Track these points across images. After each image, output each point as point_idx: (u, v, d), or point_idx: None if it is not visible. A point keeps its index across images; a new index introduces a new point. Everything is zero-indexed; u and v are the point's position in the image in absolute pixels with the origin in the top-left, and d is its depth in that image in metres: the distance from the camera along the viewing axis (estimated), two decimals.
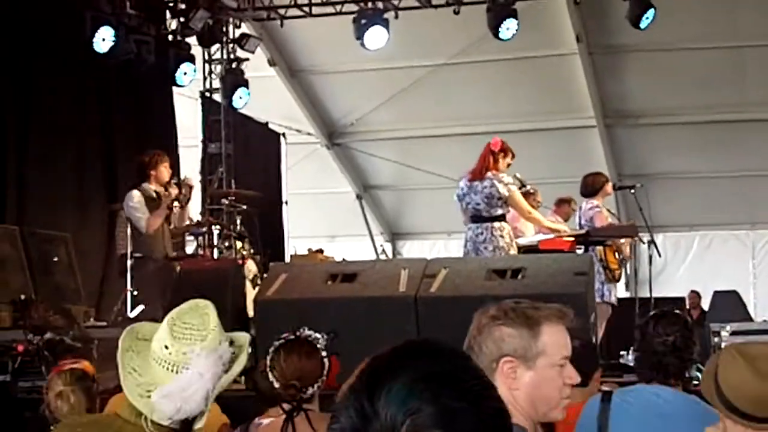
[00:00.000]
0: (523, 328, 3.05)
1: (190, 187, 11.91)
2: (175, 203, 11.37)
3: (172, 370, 3.10)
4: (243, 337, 3.37)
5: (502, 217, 10.37)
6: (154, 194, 11.32)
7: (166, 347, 3.12)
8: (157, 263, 11.33)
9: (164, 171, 11.47)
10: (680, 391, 4.64)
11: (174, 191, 11.42)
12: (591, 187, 11.87)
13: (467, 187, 10.42)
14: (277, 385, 4.80)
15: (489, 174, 10.34)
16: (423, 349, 1.72)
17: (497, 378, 2.98)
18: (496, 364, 3.01)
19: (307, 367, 4.82)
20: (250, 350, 3.40)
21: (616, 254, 11.36)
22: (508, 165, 10.60)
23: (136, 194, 11.28)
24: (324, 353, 4.87)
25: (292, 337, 4.93)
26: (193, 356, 3.09)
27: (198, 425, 3.14)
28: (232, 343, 3.26)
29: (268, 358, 4.89)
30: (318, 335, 4.93)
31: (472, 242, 10.38)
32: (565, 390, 3.12)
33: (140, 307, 11.22)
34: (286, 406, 4.74)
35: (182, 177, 12.22)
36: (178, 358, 3.10)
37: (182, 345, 3.11)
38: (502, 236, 10.23)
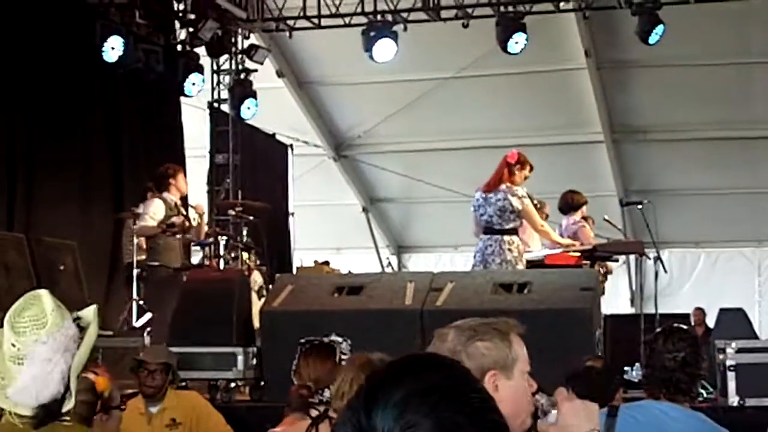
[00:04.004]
0: (497, 340, 3.06)
1: (200, 215, 12.14)
2: (177, 228, 11.58)
3: (23, 364, 3.20)
4: (88, 312, 3.45)
5: (513, 231, 10.35)
6: (174, 205, 11.54)
7: (13, 345, 3.21)
8: (168, 272, 11.40)
9: (182, 181, 11.81)
10: (688, 408, 4.62)
11: (178, 220, 11.59)
12: (570, 204, 12.07)
13: (483, 199, 10.41)
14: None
15: (503, 186, 10.34)
16: (421, 362, 1.70)
17: None
18: (480, 380, 3.00)
19: (321, 370, 4.86)
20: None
21: (601, 269, 11.36)
22: (526, 177, 10.57)
23: (157, 202, 11.53)
24: (344, 358, 4.90)
25: (316, 341, 4.97)
26: (38, 344, 3.18)
27: (67, 406, 3.22)
28: (78, 318, 3.37)
29: (294, 363, 4.94)
30: (340, 340, 4.97)
31: (481, 253, 10.38)
32: (532, 398, 3.15)
33: (146, 316, 11.25)
34: (313, 412, 4.78)
35: (195, 205, 12.38)
36: (26, 350, 3.20)
37: (26, 337, 3.20)
38: (510, 249, 10.22)
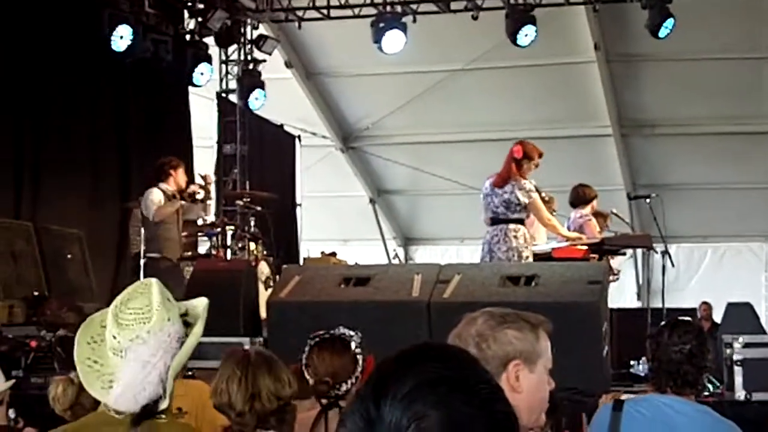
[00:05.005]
0: (527, 330, 3.05)
1: (208, 184, 12.07)
2: (196, 196, 11.58)
3: (123, 357, 3.09)
4: (199, 305, 3.29)
5: (519, 221, 10.30)
6: (171, 195, 11.51)
7: (114, 336, 3.10)
8: (169, 263, 11.39)
9: (182, 175, 11.72)
10: (693, 401, 4.62)
11: (193, 187, 11.60)
12: (582, 197, 12.01)
13: (490, 189, 10.36)
14: (311, 381, 4.86)
15: (511, 181, 10.26)
16: (430, 352, 1.68)
17: (503, 382, 2.97)
18: (503, 367, 2.99)
19: (338, 364, 4.87)
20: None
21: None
22: (536, 165, 10.43)
23: (156, 190, 11.49)
24: (358, 351, 4.92)
25: (327, 335, 4.98)
26: (138, 342, 3.07)
27: (162, 405, 3.11)
28: (186, 314, 3.23)
29: (304, 356, 4.95)
30: (352, 333, 4.97)
31: (487, 244, 10.34)
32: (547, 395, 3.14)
33: None
34: (323, 401, 4.81)
35: (203, 174, 12.32)
36: (127, 345, 3.08)
37: (128, 331, 3.08)
38: (516, 237, 10.18)
